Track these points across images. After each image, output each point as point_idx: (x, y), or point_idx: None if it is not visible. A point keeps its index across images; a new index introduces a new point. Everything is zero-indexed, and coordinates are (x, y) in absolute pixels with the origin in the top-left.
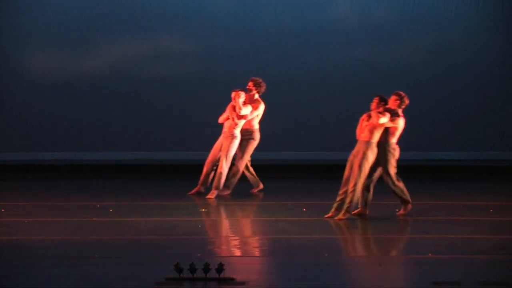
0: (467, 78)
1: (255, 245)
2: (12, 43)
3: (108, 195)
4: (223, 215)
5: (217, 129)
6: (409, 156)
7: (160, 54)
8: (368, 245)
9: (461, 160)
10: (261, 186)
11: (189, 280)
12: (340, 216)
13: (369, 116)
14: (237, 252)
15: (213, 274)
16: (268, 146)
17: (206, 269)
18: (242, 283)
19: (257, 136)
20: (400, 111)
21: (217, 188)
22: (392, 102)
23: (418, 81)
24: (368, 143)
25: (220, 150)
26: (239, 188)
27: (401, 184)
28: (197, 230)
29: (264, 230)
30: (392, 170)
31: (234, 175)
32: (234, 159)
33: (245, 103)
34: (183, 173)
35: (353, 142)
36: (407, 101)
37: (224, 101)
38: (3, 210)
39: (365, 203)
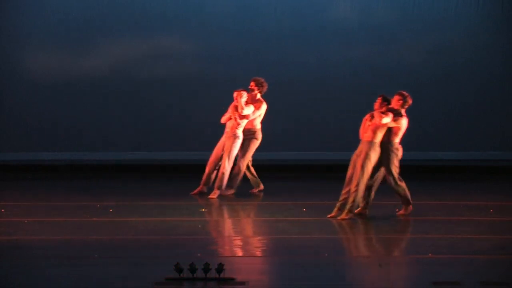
0: (467, 78)
1: (255, 245)
2: (12, 43)
3: (108, 195)
4: (223, 215)
5: (217, 129)
6: (409, 156)
7: (160, 54)
8: (368, 245)
9: (461, 160)
10: (262, 187)
11: (189, 280)
12: (343, 216)
13: (372, 116)
14: (237, 252)
15: (213, 274)
16: (268, 146)
17: (206, 269)
18: (242, 283)
19: (259, 135)
20: (403, 111)
21: (219, 188)
22: (395, 102)
23: (418, 81)
24: (371, 143)
25: (222, 150)
26: (239, 188)
27: (403, 185)
28: (197, 230)
29: (264, 230)
30: (395, 170)
31: (237, 174)
32: (236, 159)
33: (247, 103)
34: (183, 173)
35: (353, 142)
36: (410, 101)
37: (224, 101)
38: (3, 210)
39: (366, 203)
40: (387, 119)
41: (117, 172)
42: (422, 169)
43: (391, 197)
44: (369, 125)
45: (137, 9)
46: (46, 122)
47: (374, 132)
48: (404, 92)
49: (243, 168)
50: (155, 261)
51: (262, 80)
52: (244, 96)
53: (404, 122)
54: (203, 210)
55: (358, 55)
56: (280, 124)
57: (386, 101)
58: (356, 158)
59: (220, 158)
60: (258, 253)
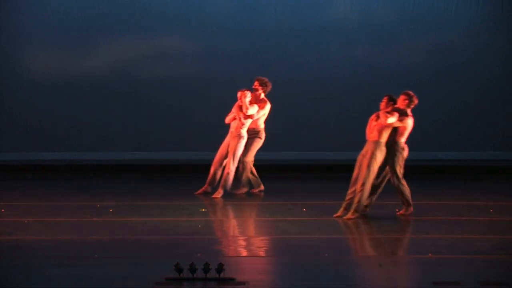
0: (467, 78)
1: (255, 245)
2: (12, 43)
3: (108, 195)
4: (224, 215)
5: (217, 129)
6: (409, 156)
7: (160, 54)
8: (368, 245)
9: (461, 160)
10: (262, 187)
11: (189, 280)
12: (349, 215)
13: (378, 116)
14: (237, 252)
15: (213, 274)
16: (268, 146)
17: (206, 269)
18: (242, 283)
19: (262, 135)
20: (409, 111)
21: (224, 188)
22: (401, 102)
23: (418, 81)
24: (376, 143)
25: (227, 150)
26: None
27: (406, 186)
28: (197, 230)
29: (264, 230)
30: (399, 169)
31: (243, 172)
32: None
33: (251, 103)
34: (183, 173)
35: (353, 142)
36: (416, 101)
37: (223, 101)
38: (3, 210)
39: (368, 203)
40: (393, 119)
41: (117, 172)
42: (422, 169)
43: (391, 197)
44: (375, 125)
45: (137, 9)
46: (46, 122)
47: (380, 132)
48: (410, 92)
49: (248, 165)
50: (155, 261)
51: (266, 79)
52: (248, 96)
53: (410, 122)
54: (203, 210)
55: (358, 55)
56: (280, 124)
57: (392, 100)
58: (362, 158)
59: (224, 158)
60: (258, 253)
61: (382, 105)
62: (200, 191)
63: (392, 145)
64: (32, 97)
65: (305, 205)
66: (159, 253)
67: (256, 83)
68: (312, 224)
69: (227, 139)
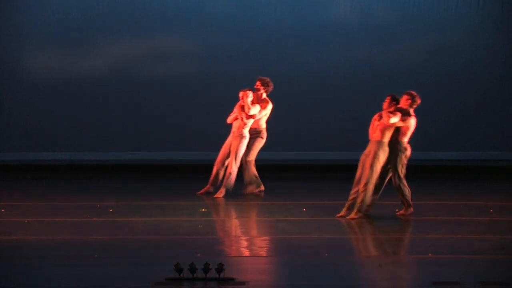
0: (467, 78)
1: (255, 245)
2: (12, 43)
3: (108, 195)
4: (224, 216)
5: (217, 129)
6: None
7: (160, 54)
8: (368, 245)
9: (461, 160)
10: (262, 187)
11: (189, 280)
12: (352, 215)
13: (381, 116)
14: (237, 252)
15: (213, 274)
16: (268, 146)
17: (206, 269)
18: (242, 283)
19: (264, 135)
20: (411, 111)
21: (226, 187)
22: (404, 102)
23: (418, 81)
24: (379, 143)
25: (229, 150)
26: (239, 188)
27: (407, 186)
28: (197, 230)
29: (264, 230)
30: (401, 169)
31: (247, 171)
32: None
33: (253, 103)
34: (183, 173)
35: (353, 142)
36: (418, 101)
37: (223, 101)
38: (3, 210)
39: (371, 202)
40: (395, 119)
41: (117, 172)
42: (422, 169)
43: (391, 197)
44: (378, 125)
45: (137, 9)
46: (46, 122)
47: (383, 132)
48: (413, 92)
49: (251, 164)
50: (155, 261)
51: (268, 79)
52: (250, 96)
53: (412, 122)
54: (203, 210)
55: (358, 55)
56: (280, 124)
57: (395, 100)
58: (365, 158)
59: (226, 158)
60: (258, 253)
61: (385, 105)
62: (202, 191)
63: (394, 145)
64: (32, 97)
65: (305, 205)
66: (159, 253)
67: (258, 83)
68: (312, 224)
69: (229, 139)
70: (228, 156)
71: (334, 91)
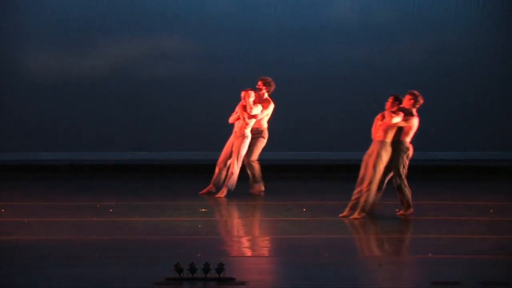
0: (467, 78)
1: (255, 245)
2: (12, 43)
3: (108, 195)
4: (224, 216)
5: (217, 129)
6: None
7: (160, 54)
8: (368, 245)
9: (461, 160)
10: (263, 188)
11: (189, 280)
12: (355, 215)
13: (384, 116)
14: (238, 252)
15: (213, 274)
16: (268, 146)
17: (206, 269)
18: (242, 283)
19: (266, 134)
20: (414, 111)
21: (228, 187)
22: (406, 102)
23: (418, 81)
24: (382, 143)
25: (231, 150)
26: (239, 188)
27: (407, 186)
28: (197, 230)
29: (264, 230)
30: (402, 169)
31: (253, 170)
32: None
33: (254, 102)
34: (183, 173)
35: (353, 142)
36: (421, 101)
37: (223, 101)
38: (3, 210)
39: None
40: (398, 119)
41: (117, 172)
42: (422, 169)
43: (391, 197)
44: (380, 125)
45: (137, 9)
46: (46, 122)
47: (385, 132)
48: (416, 92)
49: (255, 163)
50: (155, 261)
51: (270, 79)
52: (252, 95)
53: (415, 122)
54: (203, 210)
55: (358, 55)
56: (280, 124)
57: (398, 100)
58: (367, 158)
59: (229, 158)
60: (259, 253)
61: (388, 104)
62: (204, 190)
63: (397, 145)
64: (32, 97)
65: (305, 205)
66: (159, 253)
67: (259, 82)
68: (312, 224)
69: (231, 139)
70: (230, 156)
71: (334, 91)
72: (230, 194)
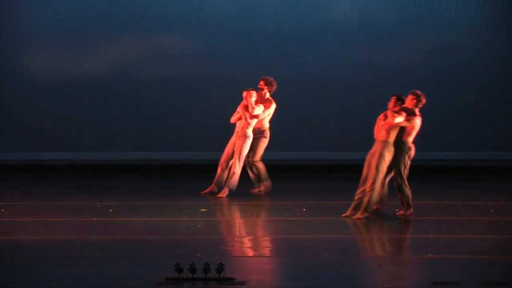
0: (467, 78)
1: (255, 245)
2: (12, 43)
3: (108, 195)
4: (224, 216)
5: (217, 129)
6: None
7: (160, 54)
8: (368, 245)
9: (461, 160)
10: (263, 188)
11: (189, 280)
12: (358, 215)
13: (386, 116)
14: (238, 252)
15: (213, 274)
16: (269, 146)
17: (206, 269)
18: (242, 283)
19: (267, 134)
20: (417, 111)
21: (229, 187)
22: (409, 102)
23: (418, 81)
24: (385, 143)
25: (233, 150)
26: (239, 188)
27: (408, 186)
28: (197, 230)
29: (264, 230)
30: (403, 169)
31: (259, 170)
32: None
33: (256, 102)
34: (183, 173)
35: (353, 142)
36: (424, 101)
37: (223, 101)
38: (3, 210)
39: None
40: (400, 119)
41: (117, 172)
42: (422, 169)
43: (391, 197)
44: (383, 125)
45: (137, 9)
46: (46, 122)
47: (388, 132)
48: (418, 92)
49: (258, 163)
50: (155, 261)
51: (272, 79)
52: (254, 95)
53: (417, 122)
54: (203, 210)
55: (358, 55)
56: (280, 124)
57: (400, 100)
58: (370, 158)
59: (230, 158)
60: (259, 253)
61: (390, 104)
62: (206, 190)
63: (399, 145)
64: (32, 97)
65: (305, 205)
66: (159, 253)
67: (261, 82)
68: (312, 224)
69: (233, 139)
70: (232, 156)
71: (334, 91)
72: (232, 194)
